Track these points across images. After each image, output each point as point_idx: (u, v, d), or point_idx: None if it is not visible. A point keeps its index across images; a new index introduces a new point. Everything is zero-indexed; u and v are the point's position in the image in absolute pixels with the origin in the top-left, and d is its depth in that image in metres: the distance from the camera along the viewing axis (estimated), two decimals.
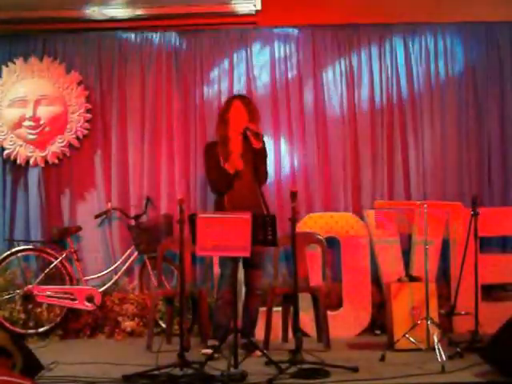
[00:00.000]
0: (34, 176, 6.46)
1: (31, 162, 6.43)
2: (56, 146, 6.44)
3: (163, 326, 5.98)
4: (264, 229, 4.70)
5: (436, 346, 4.83)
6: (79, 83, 6.48)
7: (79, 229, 6.29)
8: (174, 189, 6.44)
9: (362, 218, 6.23)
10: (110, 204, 6.25)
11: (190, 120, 6.52)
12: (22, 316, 6.01)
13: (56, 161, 6.47)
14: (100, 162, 6.52)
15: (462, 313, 5.59)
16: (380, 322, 6.00)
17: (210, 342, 5.25)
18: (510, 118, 6.50)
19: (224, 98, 6.35)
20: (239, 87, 6.46)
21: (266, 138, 5.55)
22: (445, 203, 6.04)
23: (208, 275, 5.88)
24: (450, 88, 6.52)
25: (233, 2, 6.25)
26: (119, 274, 6.17)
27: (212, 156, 5.39)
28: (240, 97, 5.55)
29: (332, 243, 6.13)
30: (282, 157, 6.43)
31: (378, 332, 6.01)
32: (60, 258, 6.13)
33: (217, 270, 5.68)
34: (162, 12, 6.36)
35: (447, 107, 6.51)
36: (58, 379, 4.54)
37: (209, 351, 5.10)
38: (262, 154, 5.36)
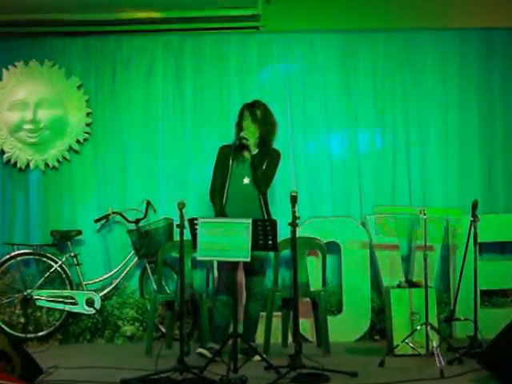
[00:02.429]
0: (34, 179, 6.48)
1: (31, 165, 6.44)
2: (56, 150, 6.45)
3: (163, 330, 5.99)
4: (264, 234, 4.72)
5: (435, 352, 4.85)
6: (79, 87, 6.49)
7: (79, 233, 6.29)
8: (174, 192, 6.44)
9: (362, 223, 6.25)
10: (110, 208, 6.26)
11: (190, 124, 6.53)
12: (22, 320, 6.01)
13: (56, 164, 6.47)
14: (100, 166, 6.53)
15: (461, 318, 5.60)
16: (379, 327, 6.02)
17: (209, 345, 5.26)
18: None
19: (225, 102, 6.43)
20: (241, 91, 6.47)
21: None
22: (445, 209, 6.05)
23: (208, 280, 5.88)
24: (452, 93, 6.53)
25: (235, 6, 6.27)
26: (119, 278, 6.18)
27: (221, 161, 5.43)
28: (248, 105, 5.55)
29: (332, 248, 6.14)
30: (283, 161, 6.42)
31: (377, 337, 6.02)
32: (60, 262, 6.13)
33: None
34: (164, 16, 6.37)
35: (450, 112, 6.52)
36: (57, 383, 4.54)
37: (205, 351, 5.12)
38: (254, 160, 5.36)
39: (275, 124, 5.54)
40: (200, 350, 5.20)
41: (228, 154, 5.40)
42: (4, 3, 6.02)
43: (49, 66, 6.46)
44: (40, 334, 6.02)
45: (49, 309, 6.08)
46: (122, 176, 6.52)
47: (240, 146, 5.40)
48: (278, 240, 4.89)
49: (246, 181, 5.36)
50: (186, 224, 4.77)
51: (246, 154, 5.41)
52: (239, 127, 5.47)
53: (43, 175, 6.48)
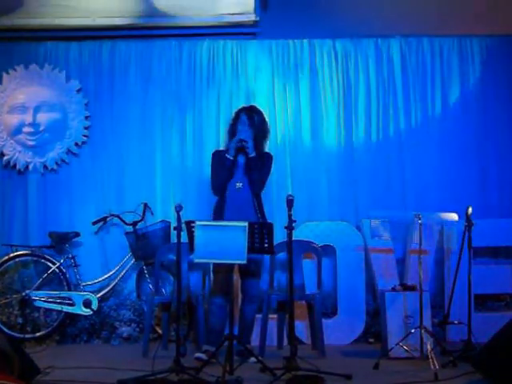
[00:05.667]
0: (33, 182, 6.51)
1: (30, 167, 6.47)
2: (55, 153, 6.48)
3: (159, 331, 6.01)
4: (260, 237, 4.76)
5: (429, 355, 4.87)
6: (78, 91, 6.53)
7: (77, 234, 6.32)
8: (171, 195, 6.49)
9: (358, 226, 6.29)
10: (108, 210, 6.29)
11: (187, 128, 6.57)
12: (20, 320, 6.05)
13: (55, 167, 6.51)
14: (98, 169, 6.56)
15: (455, 322, 5.64)
16: (374, 330, 6.04)
17: (205, 347, 5.30)
18: (507, 129, 6.55)
19: (222, 107, 6.47)
20: (238, 97, 6.52)
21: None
22: (440, 213, 6.08)
23: (204, 282, 5.92)
24: (446, 98, 6.58)
25: (232, 13, 6.31)
26: (116, 279, 6.20)
27: (217, 164, 5.49)
28: (246, 109, 5.62)
29: (328, 251, 6.18)
30: (279, 165, 6.47)
31: (371, 340, 6.04)
32: (58, 264, 6.16)
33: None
34: (162, 22, 6.41)
35: (444, 117, 6.57)
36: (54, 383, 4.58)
37: (201, 355, 5.16)
38: (251, 163, 5.42)
39: (269, 130, 5.62)
40: (197, 354, 5.23)
41: (222, 159, 5.46)
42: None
43: (48, 70, 6.50)
44: (38, 334, 6.05)
45: (46, 310, 6.12)
46: (120, 179, 6.55)
47: (235, 150, 5.44)
48: (274, 243, 4.93)
49: (239, 185, 5.41)
50: (183, 227, 4.81)
51: (240, 158, 5.46)
52: (233, 130, 5.52)
53: (42, 177, 6.51)
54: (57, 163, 6.51)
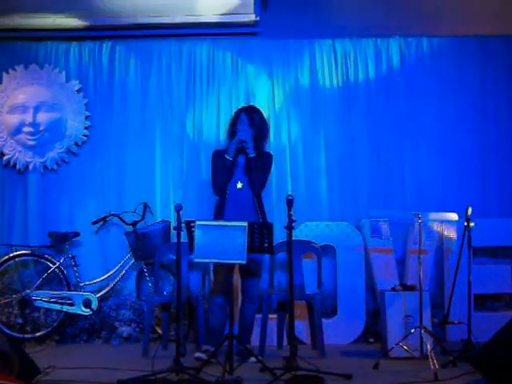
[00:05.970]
0: (32, 181, 6.51)
1: (30, 167, 6.48)
2: (55, 152, 6.49)
3: (159, 331, 6.02)
4: (260, 236, 4.76)
5: (429, 355, 4.87)
6: (78, 91, 6.53)
7: (77, 234, 6.32)
8: (171, 195, 6.49)
9: (357, 226, 6.29)
10: (108, 210, 6.29)
11: (187, 128, 6.57)
12: (20, 320, 6.04)
13: (55, 166, 6.51)
14: (98, 169, 6.56)
15: (455, 322, 5.64)
16: (374, 329, 6.05)
17: (204, 347, 5.30)
18: (507, 129, 6.56)
19: (222, 107, 6.47)
20: (238, 96, 6.53)
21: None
22: (440, 213, 6.09)
23: (204, 282, 5.92)
24: (446, 99, 6.58)
25: (232, 13, 6.31)
26: (116, 279, 6.20)
27: (215, 165, 5.52)
28: (246, 109, 5.64)
29: (328, 251, 6.18)
30: (279, 165, 6.47)
31: (371, 340, 6.05)
32: (58, 264, 6.16)
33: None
34: (162, 21, 6.41)
35: (444, 117, 6.58)
36: (54, 383, 4.57)
37: (201, 355, 5.16)
38: (251, 163, 5.43)
39: (269, 129, 5.64)
40: (197, 354, 5.23)
41: (221, 159, 5.46)
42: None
43: (48, 70, 6.50)
44: (37, 334, 6.05)
45: (46, 309, 6.11)
46: (120, 178, 6.55)
47: (235, 150, 5.45)
48: (274, 243, 4.94)
49: (240, 185, 5.42)
50: (183, 226, 4.81)
51: (240, 158, 5.47)
52: (233, 130, 5.54)
53: (42, 177, 6.52)
54: (57, 163, 6.51)
